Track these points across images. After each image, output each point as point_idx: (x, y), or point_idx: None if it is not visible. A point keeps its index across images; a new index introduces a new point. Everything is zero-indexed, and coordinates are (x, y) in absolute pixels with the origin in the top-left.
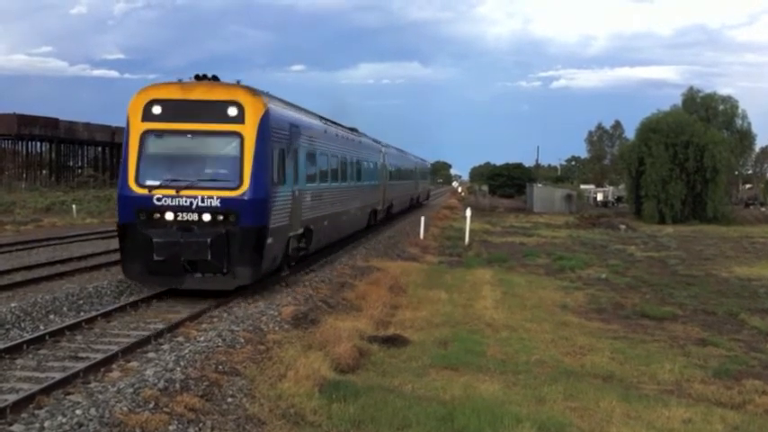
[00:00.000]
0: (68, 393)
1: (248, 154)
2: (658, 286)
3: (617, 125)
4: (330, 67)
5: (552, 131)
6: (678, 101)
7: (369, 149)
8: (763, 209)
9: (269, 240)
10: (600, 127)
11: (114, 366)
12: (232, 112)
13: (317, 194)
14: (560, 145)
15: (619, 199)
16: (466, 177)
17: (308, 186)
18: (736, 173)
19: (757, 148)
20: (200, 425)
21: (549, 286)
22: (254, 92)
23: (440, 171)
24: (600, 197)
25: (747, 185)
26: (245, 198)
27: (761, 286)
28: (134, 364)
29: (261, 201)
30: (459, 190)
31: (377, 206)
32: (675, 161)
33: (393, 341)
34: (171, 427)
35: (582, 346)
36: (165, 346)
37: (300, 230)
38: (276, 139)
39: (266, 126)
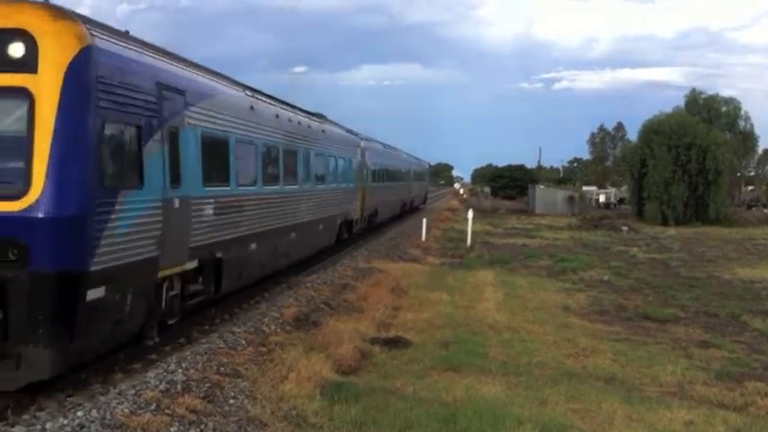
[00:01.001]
0: (70, 395)
1: (44, 130)
2: (660, 288)
3: (619, 127)
4: (331, 69)
5: (554, 133)
6: (680, 102)
7: (339, 142)
8: (765, 210)
9: (94, 293)
10: (602, 128)
11: (116, 368)
12: (15, 50)
13: (229, 204)
14: (562, 146)
15: (621, 200)
16: (468, 179)
17: (208, 192)
18: (739, 174)
19: (760, 149)
20: (202, 426)
21: (551, 288)
22: (59, 14)
23: (442, 173)
24: (602, 199)
25: (750, 187)
26: (38, 215)
27: (763, 288)
28: (135, 365)
29: (71, 220)
30: (461, 191)
31: (352, 215)
32: (678, 163)
33: (395, 343)
34: (172, 429)
35: (584, 348)
36: (167, 348)
37: (192, 264)
38: (117, 106)
39: (87, 78)
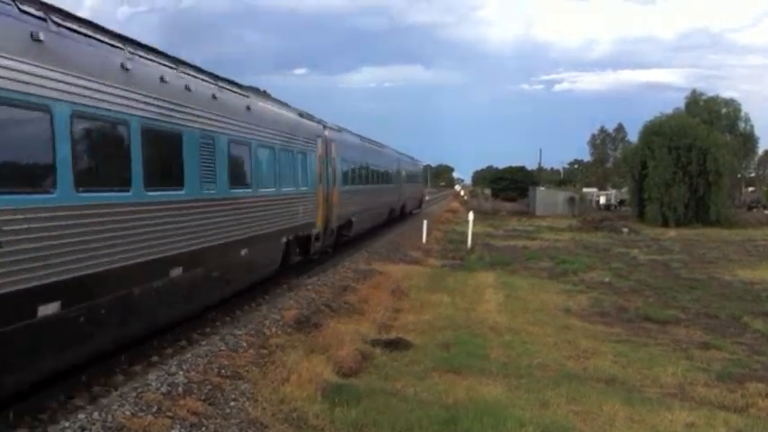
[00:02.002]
0: (71, 397)
1: None
2: (661, 289)
3: (620, 128)
4: (332, 71)
5: (555, 134)
6: (681, 104)
7: (282, 128)
8: (766, 212)
9: None
10: (603, 130)
11: (116, 370)
12: None
13: None
14: (563, 148)
15: (621, 202)
16: (468, 180)
17: None
18: (739, 176)
19: (760, 150)
20: (203, 429)
21: (552, 289)
22: None
23: (442, 174)
24: (603, 200)
25: (750, 188)
26: None
27: (763, 289)
28: (136, 367)
29: None
30: (462, 193)
31: (308, 229)
32: (678, 164)
33: (395, 344)
34: (173, 431)
35: (585, 350)
36: (168, 350)
37: None
38: None
39: None
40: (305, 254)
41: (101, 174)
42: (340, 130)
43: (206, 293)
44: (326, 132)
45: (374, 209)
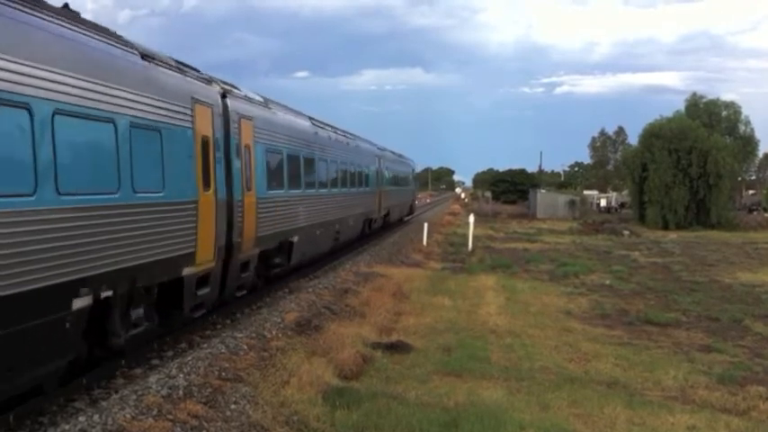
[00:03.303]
0: (72, 400)
1: None
2: (662, 292)
3: (620, 131)
4: (333, 74)
5: (555, 137)
6: (681, 106)
7: (84, 75)
8: (766, 214)
9: None
10: (603, 133)
11: (117, 373)
12: None
13: None
14: (563, 151)
15: (622, 205)
16: (469, 183)
17: None
18: (740, 178)
19: (760, 153)
20: (203, 431)
21: (553, 292)
22: None
23: (443, 177)
24: (603, 203)
25: (751, 191)
26: None
27: (764, 292)
28: (137, 370)
29: None
30: (462, 196)
31: (172, 270)
32: (679, 167)
33: (396, 347)
34: None
35: (586, 353)
36: (169, 353)
37: None
38: None
39: None
40: (175, 311)
41: None
42: (266, 103)
43: None
44: (231, 102)
45: (336, 221)
